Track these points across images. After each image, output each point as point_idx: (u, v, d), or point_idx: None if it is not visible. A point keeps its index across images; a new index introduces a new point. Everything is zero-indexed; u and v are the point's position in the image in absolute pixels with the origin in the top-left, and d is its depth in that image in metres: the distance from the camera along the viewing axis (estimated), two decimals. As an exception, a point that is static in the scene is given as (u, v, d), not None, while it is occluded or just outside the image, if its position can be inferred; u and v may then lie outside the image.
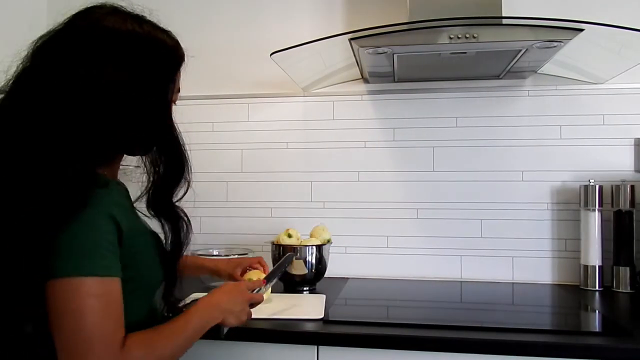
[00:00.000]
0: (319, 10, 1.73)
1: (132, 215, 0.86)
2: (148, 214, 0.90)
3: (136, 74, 0.79)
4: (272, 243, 1.49)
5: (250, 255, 1.53)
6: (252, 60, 1.74)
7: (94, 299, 0.70)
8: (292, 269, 1.43)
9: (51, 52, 0.78)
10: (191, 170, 0.89)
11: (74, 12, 0.81)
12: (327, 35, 1.30)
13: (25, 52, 0.80)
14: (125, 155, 0.89)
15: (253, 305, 1.02)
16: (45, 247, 0.70)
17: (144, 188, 0.89)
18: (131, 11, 0.83)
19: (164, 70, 0.84)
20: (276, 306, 1.26)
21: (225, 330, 0.97)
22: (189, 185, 0.89)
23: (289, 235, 1.47)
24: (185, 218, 0.91)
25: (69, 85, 0.75)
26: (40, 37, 0.80)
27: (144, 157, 0.89)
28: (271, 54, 1.36)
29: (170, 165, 0.87)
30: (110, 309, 0.72)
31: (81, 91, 0.75)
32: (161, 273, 0.88)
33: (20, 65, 0.79)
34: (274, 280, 1.17)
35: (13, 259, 0.69)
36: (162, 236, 0.91)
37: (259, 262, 1.30)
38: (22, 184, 0.71)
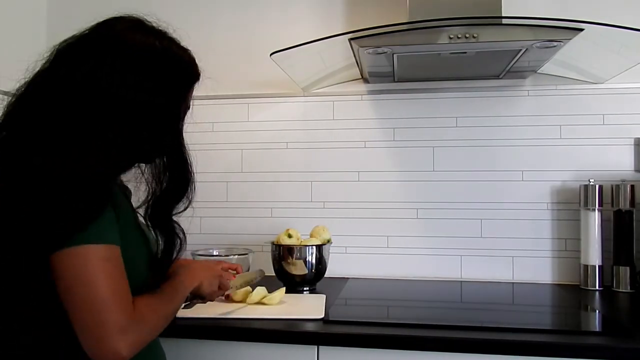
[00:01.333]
0: (319, 10, 1.73)
1: (130, 214, 0.86)
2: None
3: (153, 87, 0.81)
4: (272, 243, 1.49)
5: (250, 255, 1.54)
6: (252, 60, 1.74)
7: (104, 263, 0.74)
8: (293, 269, 1.43)
9: (73, 58, 0.80)
10: (195, 188, 0.90)
11: (99, 21, 0.84)
12: (327, 35, 1.30)
13: (47, 54, 0.82)
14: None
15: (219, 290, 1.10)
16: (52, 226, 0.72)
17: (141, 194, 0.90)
18: (155, 26, 0.86)
19: (179, 85, 0.87)
20: (276, 306, 1.26)
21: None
22: (190, 202, 0.90)
23: (289, 235, 1.47)
24: (181, 234, 0.91)
25: (87, 92, 0.77)
26: (64, 41, 0.82)
27: (144, 167, 0.89)
28: (271, 54, 1.36)
29: (175, 181, 0.88)
30: (119, 271, 0.76)
31: (99, 99, 0.77)
32: (145, 275, 0.87)
33: (41, 66, 0.81)
34: (239, 284, 1.21)
35: (21, 233, 0.72)
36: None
37: (235, 269, 1.24)
38: (37, 184, 0.73)
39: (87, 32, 0.83)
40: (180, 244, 0.91)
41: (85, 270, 0.73)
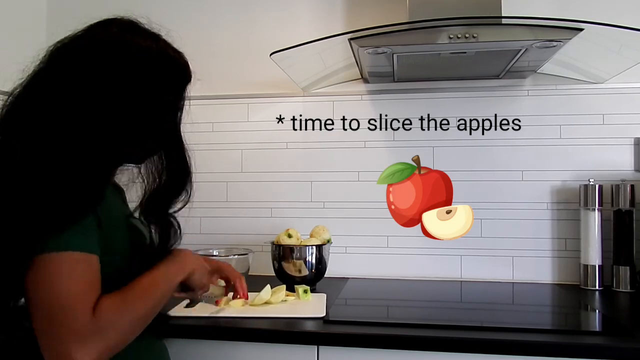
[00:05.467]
0: (319, 10, 1.73)
1: (119, 214, 0.86)
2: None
3: (148, 88, 0.82)
4: (272, 243, 1.49)
5: (250, 255, 1.54)
6: (252, 60, 1.74)
7: (67, 267, 0.71)
8: (293, 269, 1.43)
9: (70, 59, 0.79)
10: (192, 182, 0.91)
11: (93, 22, 0.85)
12: (327, 35, 1.30)
13: (43, 54, 0.81)
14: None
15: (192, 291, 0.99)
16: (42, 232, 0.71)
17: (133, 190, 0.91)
18: (148, 28, 0.87)
19: (174, 86, 0.88)
20: (277, 305, 1.26)
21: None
22: (189, 197, 0.91)
23: (289, 235, 1.47)
24: (176, 225, 0.92)
25: (84, 94, 0.77)
26: (58, 42, 0.82)
27: (140, 165, 0.91)
28: (271, 54, 1.36)
29: (174, 175, 0.89)
30: (86, 274, 0.73)
31: (96, 101, 0.77)
32: (137, 274, 0.85)
33: (35, 67, 0.81)
34: (217, 294, 1.16)
35: (12, 234, 0.71)
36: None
37: (237, 280, 1.11)
38: (32, 181, 0.72)
39: (81, 33, 0.83)
40: (176, 234, 0.91)
41: (46, 277, 0.70)
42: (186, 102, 0.92)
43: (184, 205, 0.91)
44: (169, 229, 0.90)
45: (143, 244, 0.89)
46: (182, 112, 0.91)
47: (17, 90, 0.80)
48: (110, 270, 0.79)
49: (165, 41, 0.87)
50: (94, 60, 0.78)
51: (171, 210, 0.91)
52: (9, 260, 0.71)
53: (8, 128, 0.78)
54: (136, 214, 0.92)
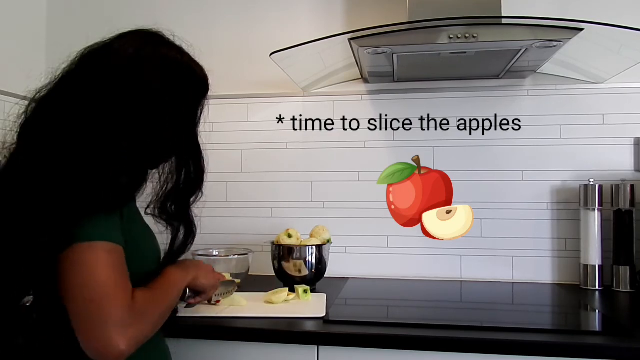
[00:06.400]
0: (319, 10, 1.73)
1: (136, 211, 0.92)
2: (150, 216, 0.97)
3: (176, 95, 0.89)
4: (272, 243, 1.49)
5: (250, 255, 1.54)
6: (252, 60, 1.74)
7: (105, 258, 0.75)
8: (293, 269, 1.43)
9: (102, 64, 0.84)
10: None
11: (125, 30, 0.90)
12: (327, 35, 1.30)
13: (74, 57, 0.86)
14: None
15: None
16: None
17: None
18: (173, 40, 0.94)
19: (195, 94, 0.95)
20: (277, 305, 1.26)
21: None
22: (202, 193, 1.01)
23: (289, 235, 1.47)
24: (195, 224, 1.00)
25: (115, 99, 0.81)
26: (89, 47, 0.87)
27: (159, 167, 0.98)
28: (271, 54, 1.36)
29: (193, 176, 0.98)
30: (120, 267, 0.77)
31: (125, 107, 0.82)
32: (153, 269, 0.92)
33: (66, 69, 0.85)
34: (221, 292, 1.21)
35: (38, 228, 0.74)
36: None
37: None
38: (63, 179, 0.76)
39: (112, 41, 0.87)
40: (195, 232, 0.99)
41: (85, 266, 0.73)
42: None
43: (198, 199, 1.00)
44: (192, 227, 0.98)
45: (157, 243, 0.95)
46: (200, 118, 1.00)
47: (46, 90, 0.84)
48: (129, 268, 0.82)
49: (188, 54, 0.94)
50: (127, 68, 0.83)
51: (191, 204, 0.99)
52: (39, 251, 0.73)
53: (41, 127, 0.81)
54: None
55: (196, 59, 0.96)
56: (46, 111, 0.82)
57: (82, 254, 0.74)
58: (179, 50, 0.93)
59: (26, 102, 0.84)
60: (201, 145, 1.00)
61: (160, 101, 0.86)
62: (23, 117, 0.83)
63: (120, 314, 0.73)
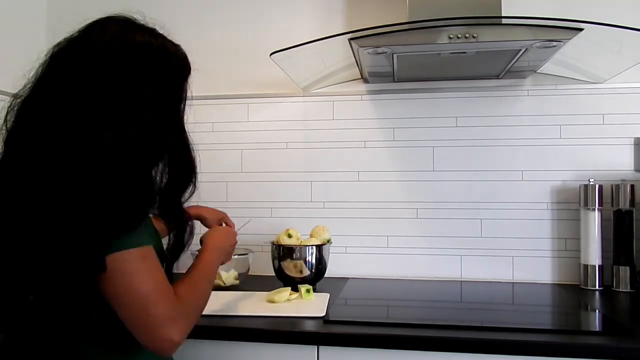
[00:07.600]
0: (319, 10, 1.73)
1: None
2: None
3: (152, 83, 0.83)
4: (272, 243, 1.49)
5: (250, 255, 1.54)
6: (252, 60, 1.74)
7: (142, 263, 0.78)
8: (293, 269, 1.43)
9: (73, 61, 0.80)
10: (198, 177, 0.95)
11: (88, 22, 0.85)
12: (327, 35, 1.30)
13: (45, 59, 0.83)
14: None
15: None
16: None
17: None
18: (144, 24, 0.88)
19: (177, 79, 0.89)
20: (278, 305, 1.26)
21: None
22: (195, 187, 0.95)
23: (289, 235, 1.47)
24: (190, 222, 0.97)
25: (92, 94, 0.78)
26: (58, 44, 0.83)
27: None
28: (271, 54, 1.36)
29: (182, 169, 0.92)
30: (156, 267, 0.81)
31: (104, 100, 0.78)
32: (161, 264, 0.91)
33: (39, 71, 0.82)
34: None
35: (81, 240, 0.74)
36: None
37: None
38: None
39: (80, 34, 0.83)
40: (190, 230, 0.97)
41: (126, 274, 0.77)
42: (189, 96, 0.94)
43: (192, 195, 0.94)
44: (184, 224, 0.96)
45: (162, 248, 0.94)
46: (185, 104, 0.93)
47: (25, 94, 0.81)
48: None
49: (162, 35, 0.88)
50: (98, 61, 0.79)
51: (183, 201, 0.95)
52: (78, 262, 0.74)
53: (26, 131, 0.79)
54: None
55: (171, 39, 0.90)
56: (31, 125, 0.79)
57: (118, 264, 0.76)
58: (152, 33, 0.87)
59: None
60: (188, 135, 0.93)
61: (144, 94, 0.81)
62: (4, 125, 0.81)
63: (167, 312, 0.78)
